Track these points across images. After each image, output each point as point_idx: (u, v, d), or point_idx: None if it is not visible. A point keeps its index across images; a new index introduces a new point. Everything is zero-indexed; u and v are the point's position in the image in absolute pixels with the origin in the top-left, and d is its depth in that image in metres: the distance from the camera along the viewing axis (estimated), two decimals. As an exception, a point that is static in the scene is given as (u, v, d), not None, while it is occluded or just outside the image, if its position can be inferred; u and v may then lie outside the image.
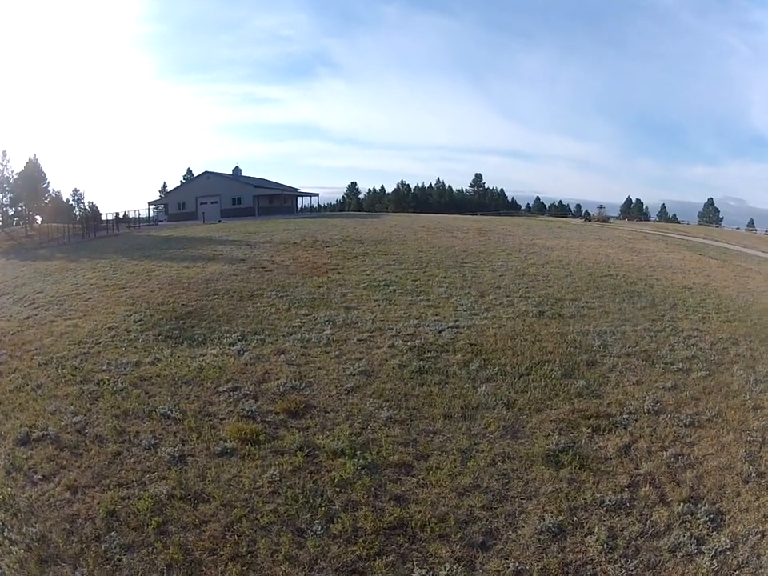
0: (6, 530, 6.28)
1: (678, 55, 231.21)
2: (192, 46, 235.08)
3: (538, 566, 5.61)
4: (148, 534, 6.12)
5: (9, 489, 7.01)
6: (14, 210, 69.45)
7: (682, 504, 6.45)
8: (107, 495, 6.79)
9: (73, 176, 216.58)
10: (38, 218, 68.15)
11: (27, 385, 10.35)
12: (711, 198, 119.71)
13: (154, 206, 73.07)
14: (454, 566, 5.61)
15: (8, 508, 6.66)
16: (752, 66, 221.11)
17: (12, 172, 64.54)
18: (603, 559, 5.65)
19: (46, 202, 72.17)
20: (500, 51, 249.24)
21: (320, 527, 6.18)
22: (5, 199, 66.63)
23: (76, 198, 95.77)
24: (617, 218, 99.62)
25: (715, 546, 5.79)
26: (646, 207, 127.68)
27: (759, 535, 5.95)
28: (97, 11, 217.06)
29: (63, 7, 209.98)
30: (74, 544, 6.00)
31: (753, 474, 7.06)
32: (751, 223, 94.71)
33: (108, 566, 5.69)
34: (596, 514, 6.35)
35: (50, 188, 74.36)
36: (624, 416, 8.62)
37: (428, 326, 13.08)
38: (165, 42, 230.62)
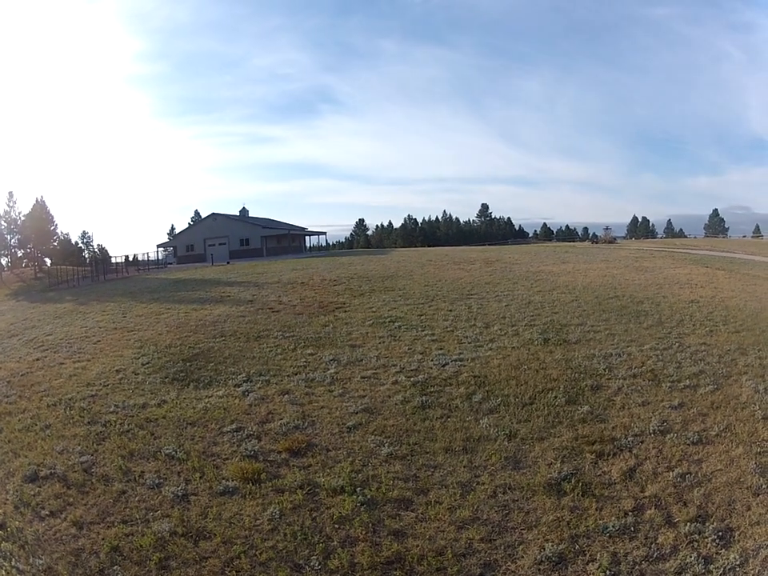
0: (13, 559, 6.42)
1: (674, 66, 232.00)
2: (191, 85, 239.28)
3: (537, 596, 5.47)
4: (150, 568, 6.21)
5: (17, 522, 7.21)
6: (22, 251, 70.34)
7: (689, 524, 6.28)
8: (111, 531, 6.90)
9: (81, 218, 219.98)
10: (48, 260, 68.97)
11: (36, 425, 10.49)
12: (716, 209, 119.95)
13: (162, 249, 73.69)
14: (452, 601, 5.49)
15: (16, 540, 6.84)
16: (746, 70, 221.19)
17: (19, 213, 65.95)
18: (606, 586, 5.50)
19: (55, 244, 73.21)
20: (498, 76, 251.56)
21: (317, 563, 6.17)
22: (13, 240, 67.63)
23: (85, 240, 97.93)
24: (624, 237, 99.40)
25: (724, 563, 5.63)
26: (653, 224, 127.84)
27: (771, 548, 5.77)
28: (95, 51, 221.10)
29: (63, 46, 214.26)
30: None
31: (763, 486, 6.87)
32: (757, 230, 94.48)
33: None
34: (599, 541, 6.20)
35: (59, 230, 75.97)
36: (629, 439, 8.46)
37: (432, 360, 13.00)
38: (163, 82, 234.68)
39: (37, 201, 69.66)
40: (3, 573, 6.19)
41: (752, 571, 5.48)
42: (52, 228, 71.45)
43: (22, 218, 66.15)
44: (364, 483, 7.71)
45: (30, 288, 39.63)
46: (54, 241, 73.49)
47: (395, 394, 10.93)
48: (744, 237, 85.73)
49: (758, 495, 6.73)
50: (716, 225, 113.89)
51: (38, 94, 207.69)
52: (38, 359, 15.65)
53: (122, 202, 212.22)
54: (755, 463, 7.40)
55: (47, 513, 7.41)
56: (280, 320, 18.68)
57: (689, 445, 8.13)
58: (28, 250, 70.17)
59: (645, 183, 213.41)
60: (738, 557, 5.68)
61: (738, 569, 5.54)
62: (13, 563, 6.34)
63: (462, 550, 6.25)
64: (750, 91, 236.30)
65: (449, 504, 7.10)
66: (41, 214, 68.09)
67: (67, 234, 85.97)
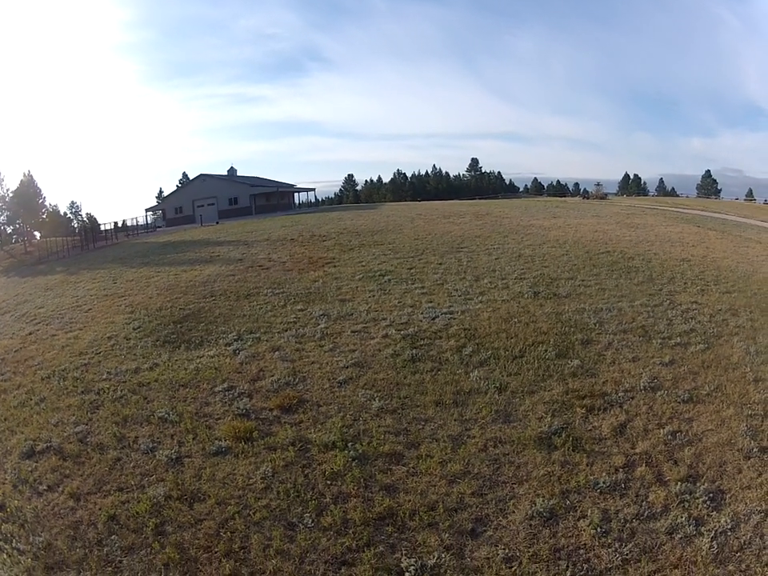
0: (14, 540, 6.40)
1: (669, 29, 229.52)
2: (178, 50, 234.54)
3: (528, 552, 5.48)
4: (146, 535, 6.21)
5: (16, 501, 7.14)
6: (12, 228, 69.30)
7: (679, 483, 6.28)
8: (108, 500, 6.90)
9: (69, 188, 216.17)
10: (37, 234, 67.88)
11: (31, 399, 10.36)
12: (709, 170, 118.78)
13: (151, 213, 72.60)
14: (443, 555, 5.52)
15: (15, 520, 6.78)
16: (742, 38, 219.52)
17: (7, 190, 64.26)
18: (597, 543, 5.51)
19: (44, 217, 72.05)
20: (491, 34, 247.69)
21: (310, 520, 6.18)
22: (2, 218, 66.47)
23: (73, 210, 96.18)
24: (615, 194, 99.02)
25: (715, 526, 5.61)
26: (644, 182, 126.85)
27: (762, 514, 5.75)
28: (82, 20, 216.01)
29: (49, 19, 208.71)
30: (77, 550, 6.11)
31: (755, 450, 6.84)
32: (750, 193, 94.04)
33: (110, 569, 5.80)
34: (589, 497, 6.21)
35: (47, 203, 74.27)
36: (619, 394, 8.45)
37: (422, 313, 12.94)
38: (150, 48, 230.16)
39: (24, 176, 68.03)
40: (5, 556, 6.16)
41: (743, 537, 5.46)
42: (40, 201, 70.06)
43: (10, 195, 64.72)
44: (355, 438, 7.70)
45: (21, 263, 38.87)
46: (43, 214, 72.06)
47: (385, 348, 10.88)
48: (736, 199, 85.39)
49: (749, 458, 6.71)
50: (708, 186, 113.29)
51: (22, 67, 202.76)
52: (30, 333, 15.42)
53: (110, 169, 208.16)
54: (746, 425, 7.37)
55: (45, 488, 7.39)
56: (270, 277, 18.55)
57: (679, 403, 8.12)
58: (17, 226, 68.99)
59: (637, 142, 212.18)
60: (729, 520, 5.66)
61: (729, 533, 5.52)
62: (14, 544, 6.33)
63: (454, 504, 6.25)
64: (747, 59, 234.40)
65: (440, 458, 7.09)
66: (28, 189, 66.63)
67: (56, 206, 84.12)
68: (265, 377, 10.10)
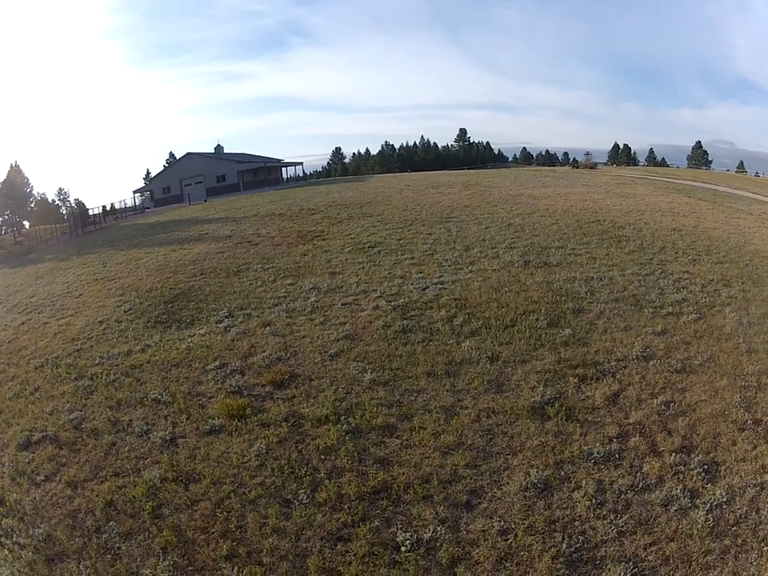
0: (14, 535, 6.35)
1: (657, 1, 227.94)
2: (161, 32, 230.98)
3: (523, 524, 5.46)
4: (144, 519, 6.20)
5: (15, 494, 7.06)
6: (1, 219, 68.67)
7: (673, 454, 6.26)
8: (105, 486, 6.87)
9: (57, 175, 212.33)
10: (26, 224, 67.27)
11: (25, 390, 10.24)
12: (699, 141, 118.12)
13: (139, 194, 72.02)
14: (438, 528, 5.50)
15: (15, 513, 6.71)
16: (732, 10, 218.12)
17: None
18: (592, 515, 5.49)
19: (32, 206, 71.59)
20: (475, 4, 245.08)
21: (305, 497, 6.17)
22: None
23: (61, 197, 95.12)
24: (605, 164, 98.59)
25: (710, 499, 5.59)
26: (634, 152, 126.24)
27: (757, 487, 5.71)
28: (67, 6, 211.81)
29: (34, 5, 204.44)
30: (77, 539, 6.08)
31: (749, 422, 6.81)
32: (741, 165, 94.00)
33: (109, 556, 5.78)
34: (584, 468, 6.18)
35: (35, 191, 74.13)
36: (612, 363, 8.41)
37: (412, 284, 12.86)
38: (134, 32, 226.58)
39: (11, 166, 67.85)
40: (6, 552, 6.08)
41: (739, 510, 5.43)
42: (28, 191, 69.78)
43: None
44: (348, 411, 7.66)
45: (11, 254, 38.36)
46: (32, 203, 71.67)
47: (376, 320, 10.80)
48: (728, 171, 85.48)
49: (743, 430, 6.68)
50: (699, 157, 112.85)
51: (7, 54, 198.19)
52: (22, 323, 15.20)
53: (97, 154, 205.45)
54: (740, 397, 7.35)
55: (42, 478, 7.33)
56: (259, 253, 18.44)
57: (672, 373, 8.08)
58: (6, 217, 68.30)
59: (627, 112, 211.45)
60: (724, 493, 5.64)
61: (724, 506, 5.50)
62: (14, 539, 6.27)
63: (448, 476, 6.22)
64: (737, 32, 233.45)
65: (433, 429, 7.06)
66: (16, 180, 66.23)
67: (44, 194, 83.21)
68: (256, 353, 10.03)
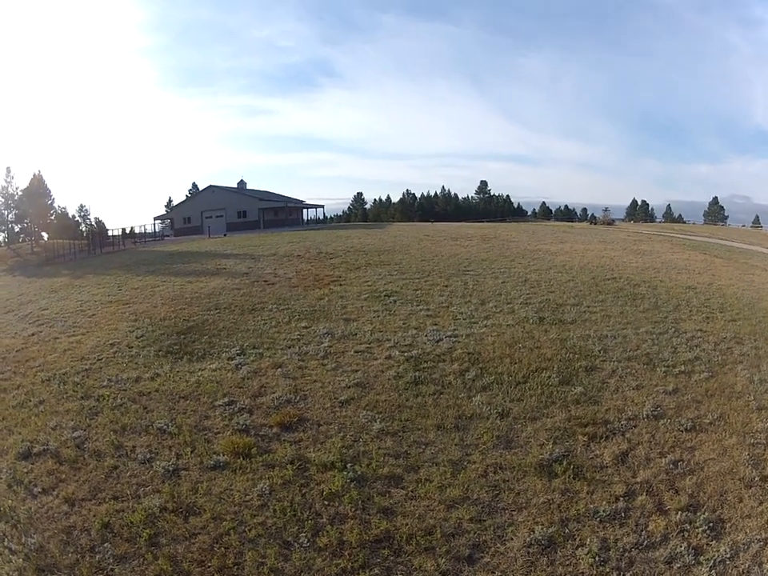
0: (6, 539, 6.39)
1: (680, 53, 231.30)
2: (193, 55, 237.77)
3: (525, 579, 5.43)
4: (140, 545, 6.19)
5: (10, 501, 7.11)
6: (19, 226, 69.88)
7: (680, 512, 6.25)
8: (103, 508, 6.88)
9: (79, 191, 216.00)
10: (44, 235, 68.38)
11: (30, 401, 10.37)
12: (716, 197, 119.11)
13: (159, 221, 73.24)
14: (439, 581, 5.47)
15: (8, 519, 6.76)
16: (753, 63, 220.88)
17: (17, 189, 65.05)
18: (594, 572, 5.48)
19: (52, 218, 72.80)
20: (501, 54, 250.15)
21: (306, 540, 6.16)
22: (10, 216, 67.00)
23: (82, 213, 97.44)
24: (623, 220, 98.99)
25: (714, 555, 5.58)
26: (652, 208, 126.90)
27: (762, 543, 5.73)
28: (98, 21, 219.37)
29: (66, 17, 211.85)
30: (70, 554, 6.09)
31: (756, 478, 6.82)
32: (757, 220, 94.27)
33: None
34: (589, 525, 6.17)
35: (56, 204, 75.52)
36: (622, 422, 8.41)
37: (426, 335, 12.91)
38: (166, 52, 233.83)
39: (34, 175, 69.11)
40: None
41: (742, 565, 5.43)
42: (49, 202, 71.06)
43: (20, 193, 65.38)
44: (354, 459, 7.67)
45: (27, 263, 39.29)
46: (52, 215, 73.04)
47: (388, 369, 10.86)
48: (743, 226, 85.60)
49: (750, 487, 6.68)
50: (716, 212, 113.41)
51: (34, 68, 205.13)
52: (33, 334, 15.49)
53: (120, 175, 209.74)
54: (748, 454, 7.35)
55: (39, 490, 7.38)
56: (275, 293, 18.54)
57: (682, 431, 8.07)
58: (25, 225, 69.58)
59: (645, 167, 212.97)
60: (728, 549, 5.63)
61: (728, 562, 5.49)
62: (5, 543, 6.32)
63: (452, 529, 6.21)
64: (756, 85, 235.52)
65: (439, 482, 7.06)
66: (38, 189, 67.49)
67: (64, 208, 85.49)
68: (266, 393, 10.07)
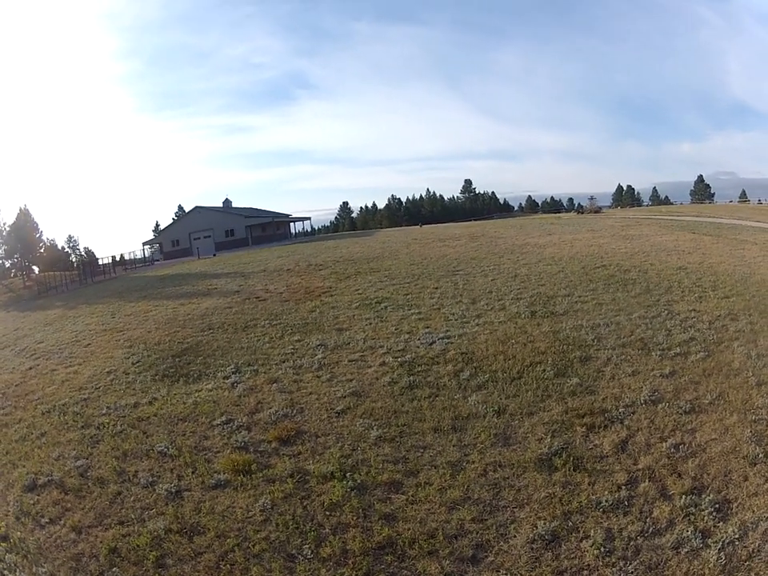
0: (18, 570, 6.46)
1: (651, 32, 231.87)
2: (167, 79, 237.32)
3: (530, 575, 5.36)
4: (147, 568, 6.22)
5: (18, 533, 7.16)
6: (9, 262, 69.53)
7: (684, 496, 6.16)
8: (109, 533, 6.90)
9: (66, 222, 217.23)
10: (35, 268, 68.27)
11: (32, 434, 10.39)
12: (701, 175, 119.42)
13: (148, 246, 73.53)
14: (444, 583, 5.41)
15: (18, 551, 6.81)
16: (724, 36, 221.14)
17: (4, 224, 64.70)
18: (601, 563, 5.39)
19: (41, 251, 72.48)
20: (473, 51, 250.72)
21: (310, 552, 6.13)
22: (0, 252, 66.74)
23: (71, 244, 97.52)
24: (609, 206, 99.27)
25: (722, 537, 5.49)
26: (638, 192, 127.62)
27: (770, 519, 5.64)
28: (71, 52, 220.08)
29: (42, 47, 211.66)
30: None
31: (760, 455, 6.72)
32: (743, 194, 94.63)
33: None
34: (592, 517, 6.08)
35: (44, 237, 75.06)
36: (620, 410, 8.34)
37: (419, 339, 12.87)
38: (140, 78, 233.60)
39: (21, 210, 68.69)
40: None
41: (752, 545, 5.34)
42: (38, 236, 70.74)
43: (8, 229, 65.17)
44: (354, 468, 7.61)
45: (20, 298, 39.30)
46: (41, 248, 72.74)
47: (383, 376, 10.81)
48: (731, 202, 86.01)
49: (755, 465, 6.59)
50: (702, 191, 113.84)
51: (14, 103, 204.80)
52: (30, 368, 15.44)
53: (106, 202, 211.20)
54: (750, 431, 7.26)
55: (47, 520, 7.40)
56: (267, 308, 18.53)
57: (681, 414, 8.00)
58: (15, 260, 69.32)
59: (628, 150, 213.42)
60: (736, 530, 5.54)
61: (737, 542, 5.40)
62: (17, 574, 6.38)
63: (454, 531, 6.15)
64: (730, 56, 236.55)
65: (439, 485, 7.00)
66: (25, 223, 67.21)
67: (53, 240, 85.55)
68: (263, 409, 10.04)
